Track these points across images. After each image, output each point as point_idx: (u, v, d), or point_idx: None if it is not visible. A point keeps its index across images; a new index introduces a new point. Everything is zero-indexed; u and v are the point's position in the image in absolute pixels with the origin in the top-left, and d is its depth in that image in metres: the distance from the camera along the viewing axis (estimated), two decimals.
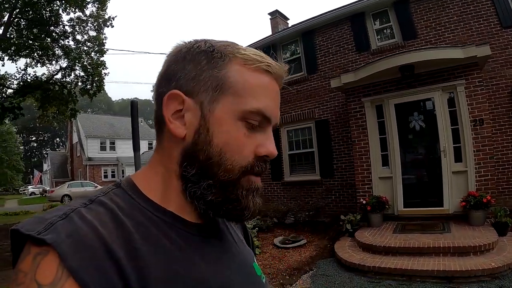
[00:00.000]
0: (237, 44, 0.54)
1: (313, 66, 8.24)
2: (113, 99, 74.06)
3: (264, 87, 0.51)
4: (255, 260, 0.63)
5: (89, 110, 54.47)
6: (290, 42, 8.75)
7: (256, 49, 0.54)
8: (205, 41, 0.53)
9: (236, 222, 0.62)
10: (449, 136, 5.68)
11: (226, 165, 0.49)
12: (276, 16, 11.14)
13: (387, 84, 6.17)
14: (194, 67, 0.50)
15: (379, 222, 5.83)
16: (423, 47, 5.90)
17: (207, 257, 0.51)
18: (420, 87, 5.86)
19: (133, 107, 2.98)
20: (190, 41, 0.54)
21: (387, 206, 5.81)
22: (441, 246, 4.34)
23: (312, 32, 8.26)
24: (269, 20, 11.32)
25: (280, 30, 10.01)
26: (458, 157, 5.63)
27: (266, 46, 8.97)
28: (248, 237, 0.70)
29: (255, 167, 0.51)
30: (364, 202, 5.90)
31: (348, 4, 7.68)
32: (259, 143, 0.51)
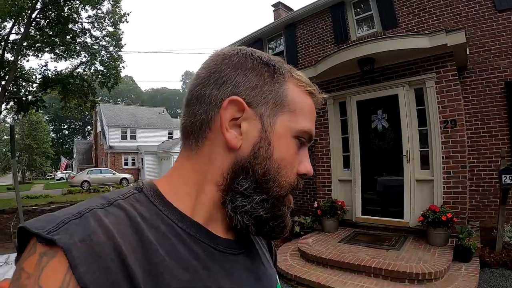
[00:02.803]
0: (285, 62, 0.54)
1: (293, 60, 7.80)
2: (143, 89, 74.35)
3: (310, 109, 0.52)
4: (278, 281, 0.60)
5: (118, 99, 57.08)
6: (275, 36, 8.39)
7: (243, 43, 0.51)
8: (257, 51, 0.52)
9: (273, 240, 0.60)
10: (415, 139, 5.01)
11: (280, 181, 0.48)
12: (279, 8, 10.76)
13: (350, 79, 5.64)
14: (256, 77, 0.49)
15: (333, 228, 5.43)
16: (383, 37, 5.22)
17: (233, 277, 0.48)
18: (384, 82, 5.25)
19: (11, 130, 3.37)
20: (237, 48, 0.52)
21: (339, 212, 5.36)
22: (373, 266, 3.77)
23: (294, 24, 7.84)
24: (273, 12, 11.01)
25: None
26: (425, 164, 4.92)
27: (253, 41, 8.76)
28: (272, 251, 0.67)
29: (298, 184, 0.51)
30: (316, 205, 5.54)
31: None
32: (300, 160, 0.51)
